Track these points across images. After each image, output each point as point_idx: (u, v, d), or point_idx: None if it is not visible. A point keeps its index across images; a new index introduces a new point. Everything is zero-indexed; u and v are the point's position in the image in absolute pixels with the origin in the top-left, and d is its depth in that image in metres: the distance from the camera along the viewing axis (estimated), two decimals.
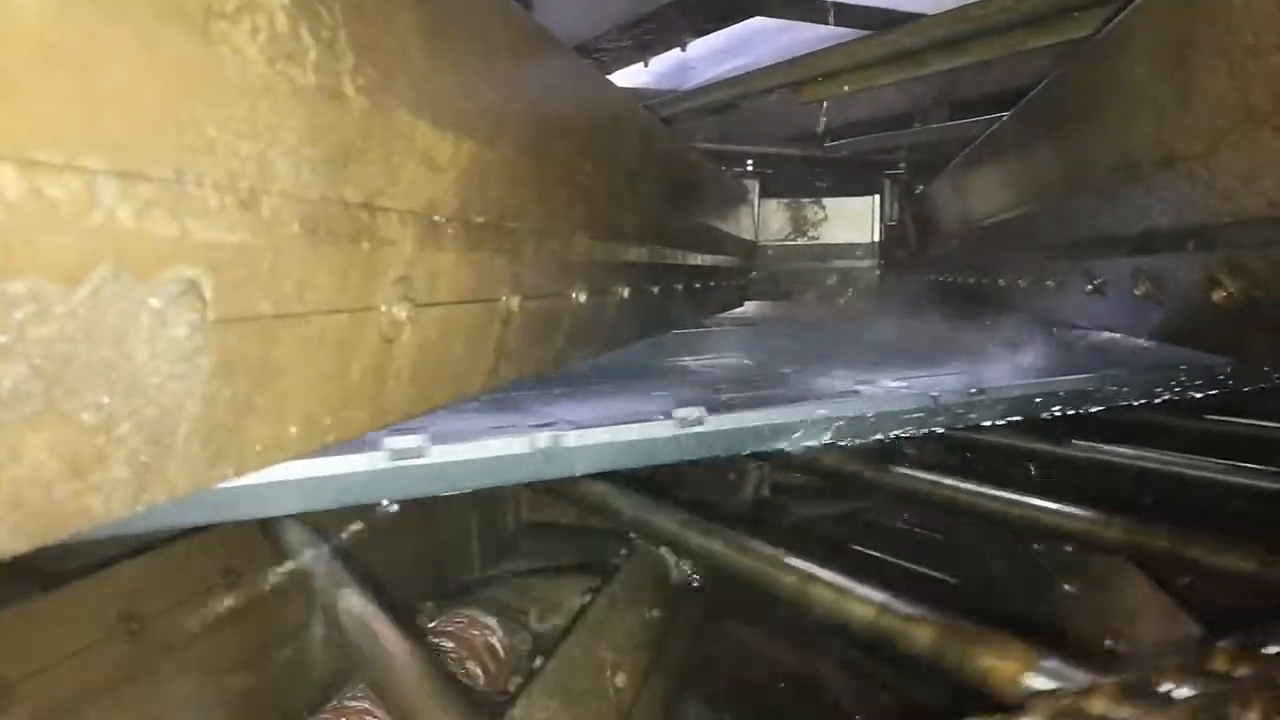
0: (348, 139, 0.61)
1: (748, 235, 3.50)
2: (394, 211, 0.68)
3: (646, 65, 3.12)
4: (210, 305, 0.48)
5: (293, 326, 0.57)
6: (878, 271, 3.63)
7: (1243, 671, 0.62)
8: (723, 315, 3.18)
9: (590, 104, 1.43)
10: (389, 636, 1.20)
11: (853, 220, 3.73)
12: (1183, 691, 0.61)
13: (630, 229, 1.65)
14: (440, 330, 0.81)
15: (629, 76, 3.15)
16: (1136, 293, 1.51)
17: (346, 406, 0.66)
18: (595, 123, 1.44)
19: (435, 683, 1.11)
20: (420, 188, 0.74)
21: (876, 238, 3.64)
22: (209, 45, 0.48)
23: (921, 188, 3.49)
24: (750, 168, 3.56)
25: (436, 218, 0.77)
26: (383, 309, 0.69)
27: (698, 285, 2.57)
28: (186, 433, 0.48)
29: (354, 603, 1.28)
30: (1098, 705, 0.63)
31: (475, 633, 1.49)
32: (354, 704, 1.24)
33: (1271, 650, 0.66)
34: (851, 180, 3.65)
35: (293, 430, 0.59)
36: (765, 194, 3.67)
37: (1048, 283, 2.14)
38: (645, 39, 2.71)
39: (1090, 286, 1.84)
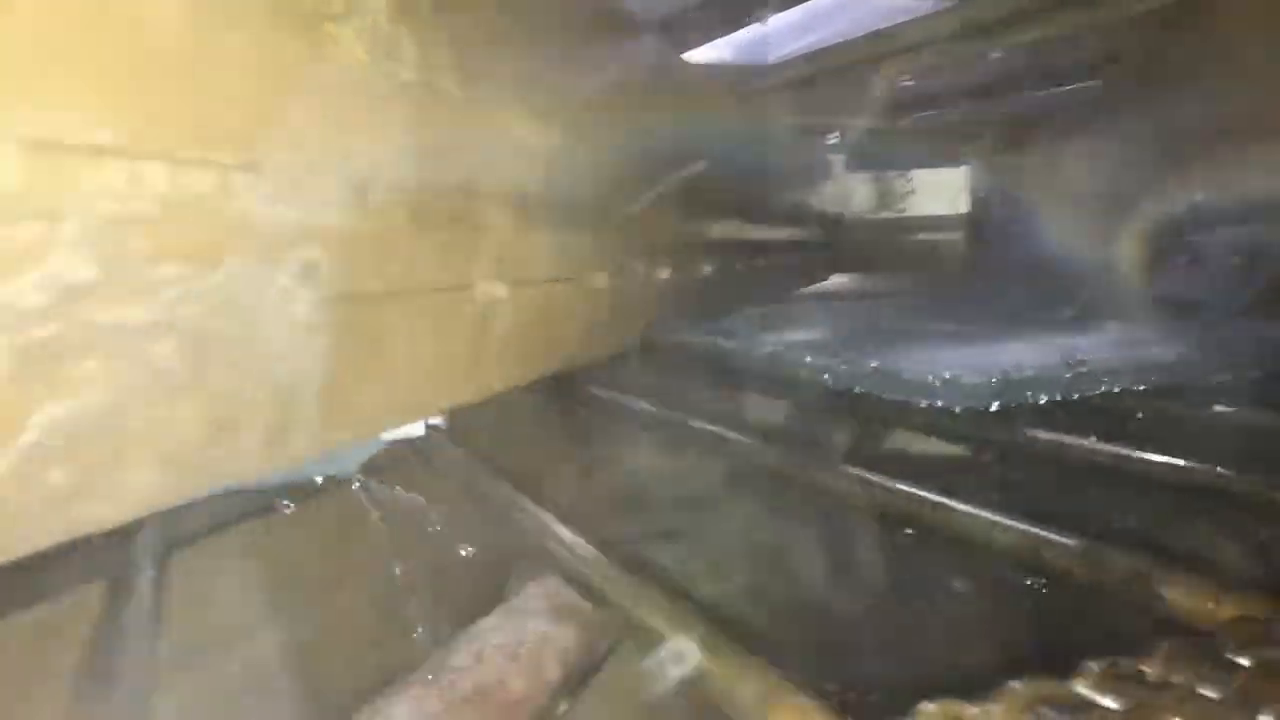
0: (447, 130, 0.65)
1: (833, 209, 3.48)
2: (491, 196, 0.72)
3: (726, 40, 3.12)
4: (328, 283, 0.53)
5: (400, 303, 0.61)
6: (966, 245, 3.56)
7: None
8: (807, 290, 3.17)
9: (670, 84, 1.45)
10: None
11: (941, 193, 3.66)
12: None
13: (713, 206, 1.67)
14: (533, 306, 0.85)
15: (709, 51, 3.15)
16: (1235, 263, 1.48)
17: (449, 377, 0.71)
18: (675, 102, 1.46)
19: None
20: (514, 173, 0.77)
21: (965, 210, 3.56)
22: (321, 48, 0.52)
23: (1011, 158, 3.41)
24: (834, 141, 3.52)
25: (529, 201, 0.81)
26: (481, 287, 0.73)
27: (781, 260, 2.58)
28: (309, 400, 0.53)
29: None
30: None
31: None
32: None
33: None
34: (939, 152, 3.58)
35: (401, 398, 0.64)
36: (850, 167, 3.63)
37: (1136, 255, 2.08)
38: (725, 14, 2.71)
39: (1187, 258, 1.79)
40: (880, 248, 3.70)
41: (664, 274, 1.31)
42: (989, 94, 3.11)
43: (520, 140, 0.79)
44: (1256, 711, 0.51)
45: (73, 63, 0.35)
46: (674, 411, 1.59)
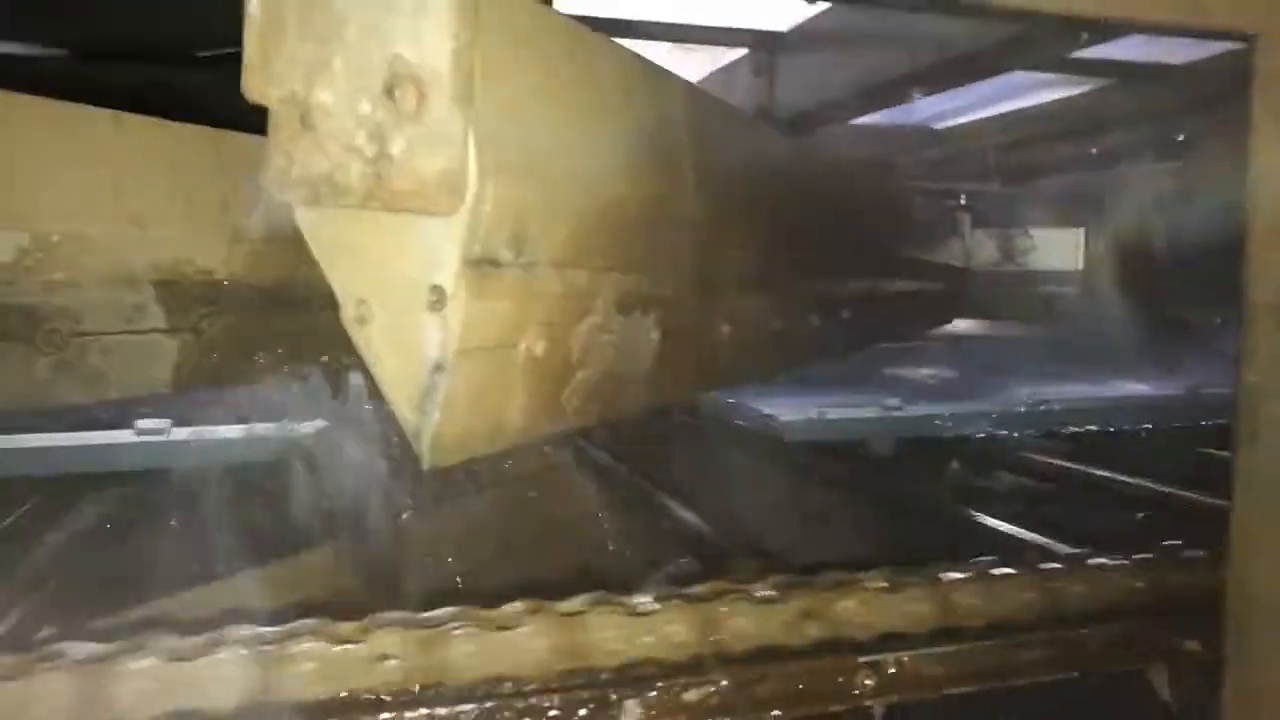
0: (679, 243, 1.17)
1: (958, 262, 3.88)
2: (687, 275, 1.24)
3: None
4: (659, 326, 1.07)
5: (669, 337, 1.13)
6: (1082, 298, 3.90)
7: None
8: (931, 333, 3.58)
9: (806, 165, 1.93)
10: None
11: (1059, 250, 4.02)
12: None
13: (849, 261, 2.12)
14: (691, 345, 1.29)
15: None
16: None
17: (670, 384, 1.22)
18: (820, 174, 1.93)
19: None
20: (697, 260, 1.30)
21: (1081, 266, 3.91)
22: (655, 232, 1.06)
23: (1125, 220, 3.72)
24: (963, 201, 3.94)
25: (700, 273, 1.31)
26: (718, 326, 1.26)
27: (909, 306, 3.00)
28: (641, 383, 1.07)
29: None
30: None
31: None
32: None
33: None
34: (1060, 212, 3.94)
35: (661, 392, 1.16)
36: (976, 224, 4.02)
37: (1217, 319, 2.40)
38: (871, 100, 3.11)
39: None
40: (1001, 298, 4.07)
41: (813, 320, 1.81)
42: (1104, 165, 3.45)
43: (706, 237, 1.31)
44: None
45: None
46: None
